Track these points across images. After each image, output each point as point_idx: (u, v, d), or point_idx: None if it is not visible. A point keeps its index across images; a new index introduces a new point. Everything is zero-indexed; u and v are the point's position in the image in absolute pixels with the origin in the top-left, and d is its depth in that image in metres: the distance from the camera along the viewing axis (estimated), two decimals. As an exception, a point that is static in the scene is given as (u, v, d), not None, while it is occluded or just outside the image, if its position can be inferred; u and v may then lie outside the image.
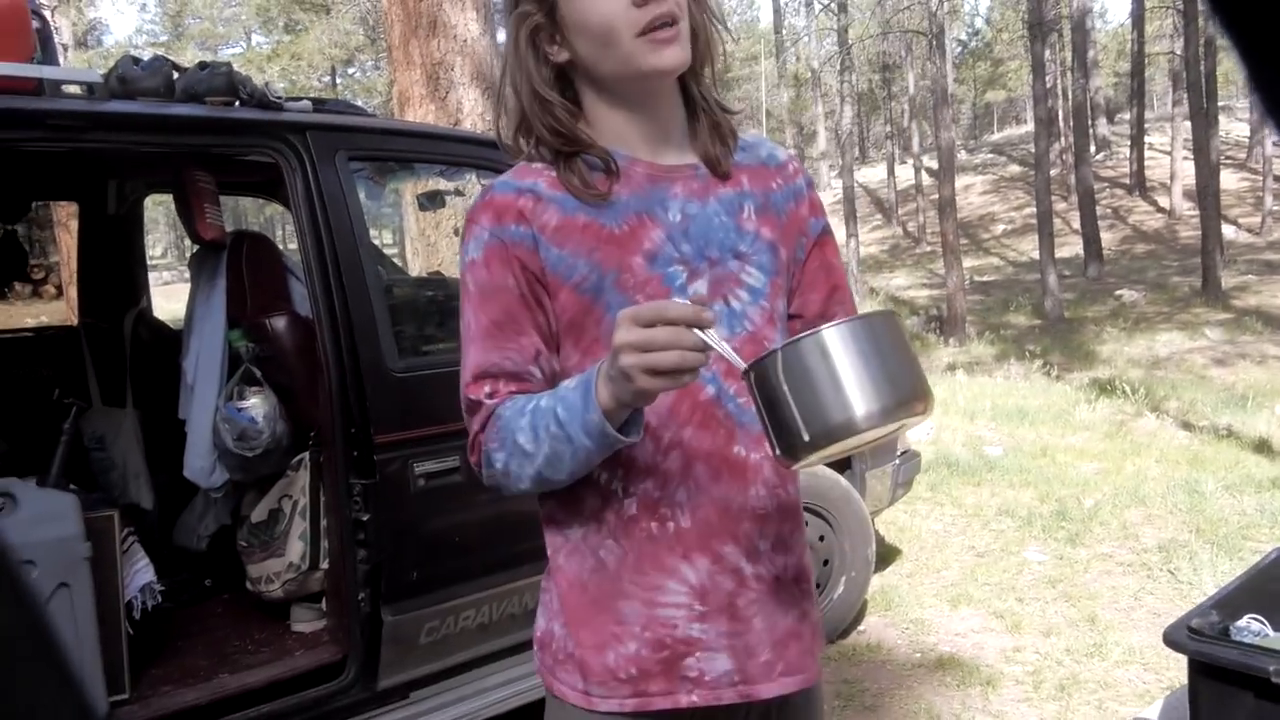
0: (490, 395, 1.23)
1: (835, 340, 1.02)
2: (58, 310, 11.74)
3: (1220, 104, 24.54)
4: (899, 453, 4.17)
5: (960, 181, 26.08)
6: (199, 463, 3.23)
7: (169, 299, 6.57)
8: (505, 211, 1.23)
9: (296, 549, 3.04)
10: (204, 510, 3.49)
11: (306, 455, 3.12)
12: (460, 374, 1.27)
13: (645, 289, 1.23)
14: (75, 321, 4.43)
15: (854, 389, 1.01)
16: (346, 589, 2.68)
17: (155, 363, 3.71)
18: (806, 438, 1.02)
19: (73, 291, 5.08)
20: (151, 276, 4.68)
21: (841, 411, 1.01)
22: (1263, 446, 6.99)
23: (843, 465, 3.81)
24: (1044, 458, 6.83)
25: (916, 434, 7.01)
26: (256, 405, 3.09)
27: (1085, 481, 6.08)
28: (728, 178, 1.31)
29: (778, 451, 1.06)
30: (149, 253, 5.40)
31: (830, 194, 32.14)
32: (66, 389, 3.58)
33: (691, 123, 1.32)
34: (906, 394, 1.04)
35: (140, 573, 2.82)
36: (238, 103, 2.67)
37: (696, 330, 1.04)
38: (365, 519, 2.61)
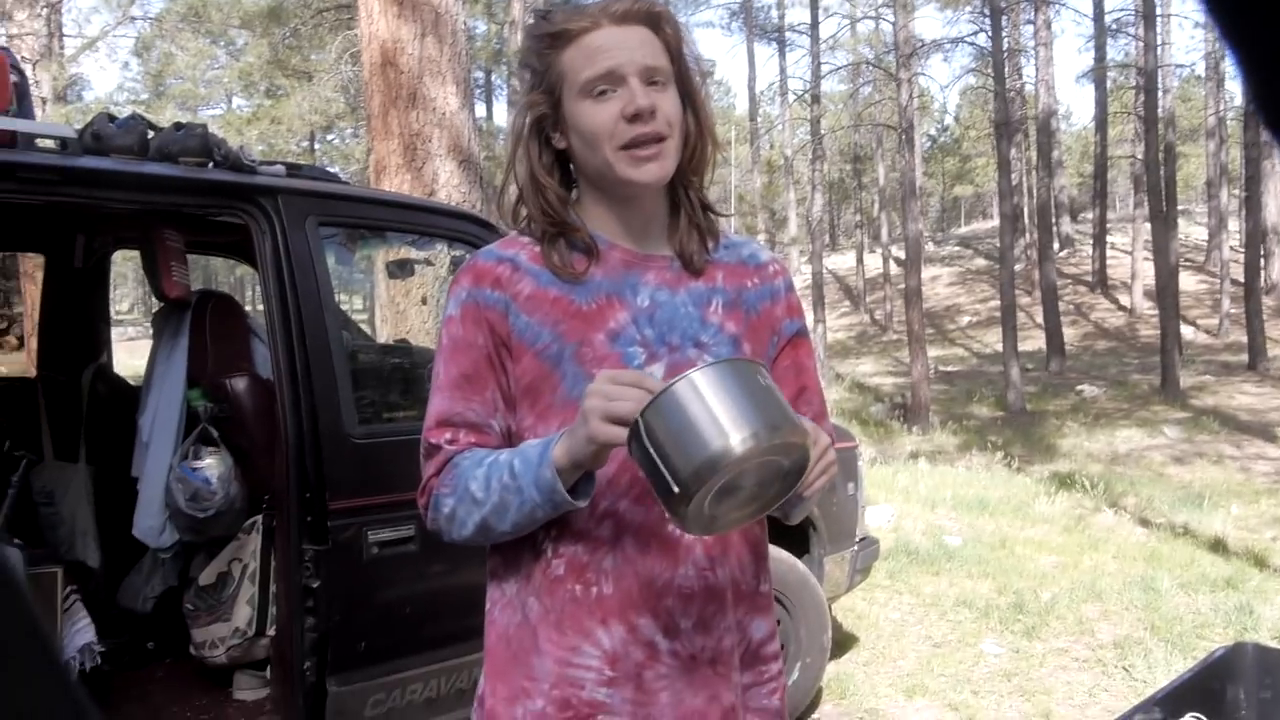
0: (450, 442, 1.30)
1: (689, 388, 1.06)
2: (17, 361, 11.58)
3: (1180, 208, 25.25)
4: (858, 539, 4.17)
5: (927, 272, 26.49)
6: (149, 522, 3.18)
7: (132, 355, 6.52)
8: (484, 276, 1.32)
9: (243, 614, 2.98)
10: (151, 571, 3.42)
11: (259, 519, 3.08)
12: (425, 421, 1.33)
13: (603, 364, 1.28)
14: (34, 373, 4.38)
15: (717, 424, 1.04)
16: (292, 657, 2.61)
17: (111, 419, 3.67)
18: (676, 488, 1.05)
19: (34, 343, 5.02)
20: (115, 332, 4.64)
21: (701, 450, 1.04)
22: (1217, 546, 7.05)
23: (801, 549, 3.80)
24: (1003, 549, 6.84)
25: (876, 520, 7.02)
26: (211, 466, 3.05)
27: (1043, 574, 6.09)
28: (701, 273, 1.37)
29: (667, 514, 1.10)
30: (115, 308, 5.37)
31: (800, 279, 32.52)
32: (18, 441, 3.53)
33: (673, 219, 1.38)
34: (776, 420, 1.06)
35: (80, 633, 2.75)
36: (211, 164, 2.69)
37: None
38: (315, 586, 2.56)
